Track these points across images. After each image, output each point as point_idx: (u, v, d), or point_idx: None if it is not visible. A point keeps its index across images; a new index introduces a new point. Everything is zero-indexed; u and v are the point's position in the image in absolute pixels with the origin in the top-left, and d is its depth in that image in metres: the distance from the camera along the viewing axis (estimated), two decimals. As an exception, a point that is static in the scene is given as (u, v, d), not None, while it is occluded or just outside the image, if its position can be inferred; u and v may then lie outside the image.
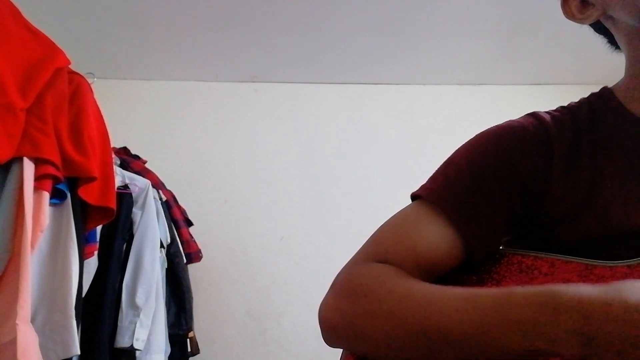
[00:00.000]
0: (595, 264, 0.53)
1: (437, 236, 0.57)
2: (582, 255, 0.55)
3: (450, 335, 0.45)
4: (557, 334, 0.40)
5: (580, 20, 0.64)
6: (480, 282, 0.57)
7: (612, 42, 0.67)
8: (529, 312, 0.42)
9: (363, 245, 0.61)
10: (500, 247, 0.62)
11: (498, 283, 0.56)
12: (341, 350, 0.58)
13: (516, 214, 0.60)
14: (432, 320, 0.47)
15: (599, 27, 0.67)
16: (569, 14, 0.65)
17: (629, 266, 0.52)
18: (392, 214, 0.63)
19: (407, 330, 0.48)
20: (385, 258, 0.57)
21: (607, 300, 0.40)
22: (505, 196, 0.59)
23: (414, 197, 0.63)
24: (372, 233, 0.62)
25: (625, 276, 0.51)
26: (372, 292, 0.52)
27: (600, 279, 0.52)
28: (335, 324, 0.53)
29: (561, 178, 0.59)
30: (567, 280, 0.53)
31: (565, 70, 2.62)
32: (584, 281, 0.53)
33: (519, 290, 0.44)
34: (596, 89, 0.68)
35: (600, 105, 0.64)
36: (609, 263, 0.53)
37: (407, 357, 0.49)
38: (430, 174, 0.64)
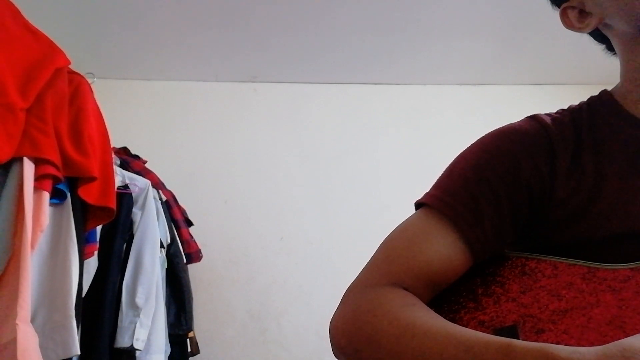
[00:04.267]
0: (597, 266, 0.53)
1: (449, 251, 0.58)
2: (585, 257, 0.55)
3: None
4: None
5: (579, 30, 0.65)
6: (485, 285, 0.58)
7: (610, 48, 0.69)
8: None
9: (375, 260, 0.61)
10: (505, 250, 0.62)
11: (502, 286, 0.56)
12: None
13: (522, 216, 0.60)
14: None
15: (597, 34, 0.68)
16: (568, 24, 0.66)
17: (631, 269, 0.52)
18: (391, 213, 0.63)
19: None
20: (397, 278, 0.57)
21: None
22: (511, 199, 0.59)
23: (419, 204, 0.63)
24: (382, 243, 0.62)
25: (628, 279, 0.52)
26: (375, 321, 0.54)
27: (603, 281, 0.52)
28: (343, 346, 0.56)
29: (565, 179, 0.59)
30: (570, 283, 0.53)
31: (565, 70, 2.62)
32: (586, 284, 0.53)
33: (519, 345, 0.45)
34: (596, 89, 0.68)
35: (599, 107, 0.65)
36: (612, 266, 0.53)
37: None
38: (433, 179, 0.64)
